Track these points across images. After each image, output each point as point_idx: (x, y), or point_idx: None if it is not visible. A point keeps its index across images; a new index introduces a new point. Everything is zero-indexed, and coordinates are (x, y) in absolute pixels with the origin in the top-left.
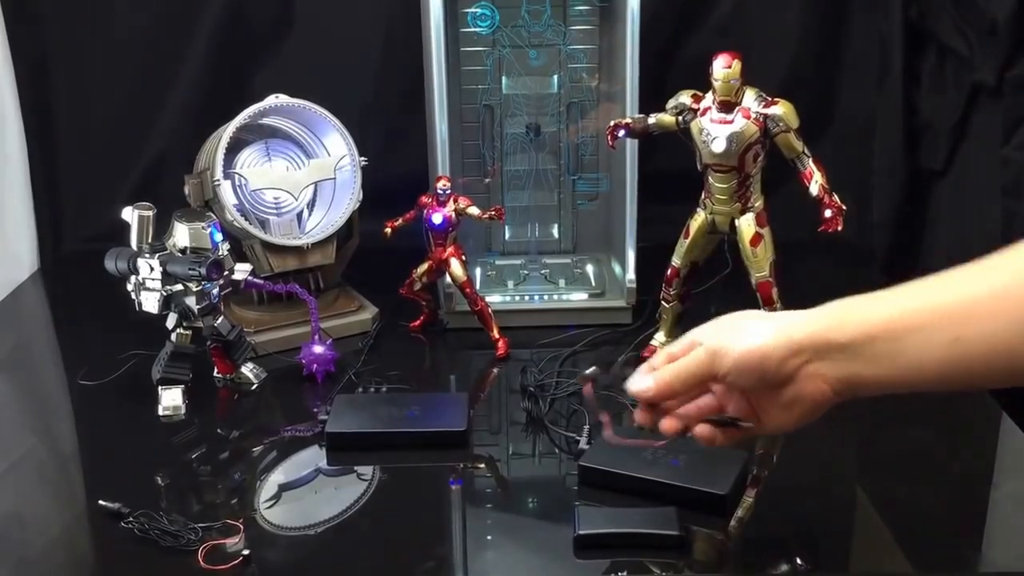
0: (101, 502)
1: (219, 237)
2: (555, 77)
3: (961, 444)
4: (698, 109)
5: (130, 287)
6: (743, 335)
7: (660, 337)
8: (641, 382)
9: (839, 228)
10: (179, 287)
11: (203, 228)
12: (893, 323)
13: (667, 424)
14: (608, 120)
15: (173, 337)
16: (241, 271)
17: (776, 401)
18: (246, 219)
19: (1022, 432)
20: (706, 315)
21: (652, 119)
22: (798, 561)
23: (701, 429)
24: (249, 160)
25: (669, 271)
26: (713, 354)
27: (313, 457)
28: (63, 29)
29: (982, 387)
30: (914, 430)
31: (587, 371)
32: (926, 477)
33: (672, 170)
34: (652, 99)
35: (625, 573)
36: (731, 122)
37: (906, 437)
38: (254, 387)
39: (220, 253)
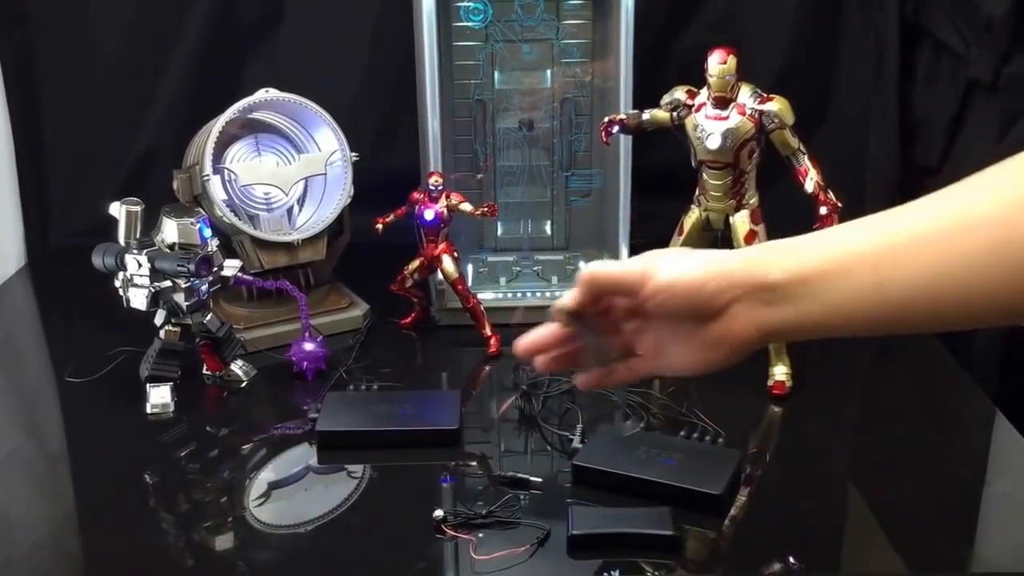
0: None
1: (208, 233)
2: (548, 72)
3: (955, 443)
4: (693, 105)
5: (118, 283)
6: (679, 261)
7: None
8: (568, 293)
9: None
10: (167, 283)
11: (192, 224)
12: (824, 266)
13: (551, 363)
14: (602, 116)
15: (161, 334)
16: (230, 267)
17: (698, 338)
18: (235, 215)
19: (1016, 431)
20: None
21: (646, 115)
22: (792, 561)
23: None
24: (239, 155)
25: None
26: (648, 268)
27: (303, 455)
28: (50, 22)
29: (908, 332)
30: (908, 429)
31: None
32: (920, 476)
33: (666, 166)
34: (646, 95)
35: (618, 573)
36: (726, 118)
37: (900, 436)
38: (244, 384)
39: (209, 249)
